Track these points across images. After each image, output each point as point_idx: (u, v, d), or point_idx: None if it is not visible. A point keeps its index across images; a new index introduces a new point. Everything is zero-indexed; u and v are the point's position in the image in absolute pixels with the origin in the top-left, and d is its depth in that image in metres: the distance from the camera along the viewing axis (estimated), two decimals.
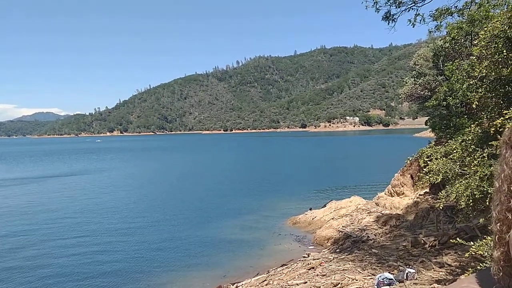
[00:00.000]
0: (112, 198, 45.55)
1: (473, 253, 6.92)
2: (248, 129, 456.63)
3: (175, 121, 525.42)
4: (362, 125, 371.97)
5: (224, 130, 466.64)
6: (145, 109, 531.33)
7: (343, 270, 15.88)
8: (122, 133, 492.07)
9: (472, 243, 7.32)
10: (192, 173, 71.68)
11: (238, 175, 65.42)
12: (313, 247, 24.11)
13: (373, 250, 18.13)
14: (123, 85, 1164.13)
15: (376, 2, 11.30)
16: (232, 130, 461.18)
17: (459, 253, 14.43)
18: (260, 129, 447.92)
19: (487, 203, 7.61)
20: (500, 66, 7.90)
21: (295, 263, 19.82)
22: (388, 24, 12.13)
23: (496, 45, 7.82)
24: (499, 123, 6.38)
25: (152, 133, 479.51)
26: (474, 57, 9.55)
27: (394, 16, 11.84)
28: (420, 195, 25.86)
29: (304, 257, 20.83)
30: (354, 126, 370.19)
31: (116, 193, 49.31)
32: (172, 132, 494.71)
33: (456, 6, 11.96)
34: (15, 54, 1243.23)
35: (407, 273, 12.64)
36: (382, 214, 25.69)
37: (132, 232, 29.94)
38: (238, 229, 29.82)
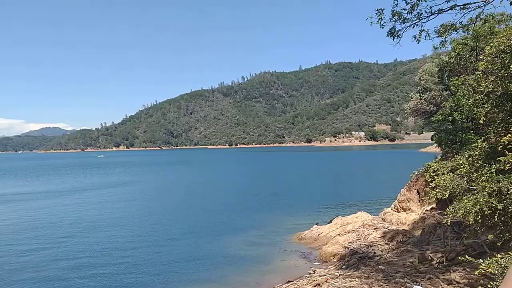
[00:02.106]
0: (117, 213, 45.50)
1: (483, 271, 6.81)
2: (253, 143, 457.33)
3: (180, 136, 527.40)
4: (368, 140, 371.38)
5: (229, 145, 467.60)
6: (151, 124, 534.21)
7: (350, 287, 15.68)
8: (128, 148, 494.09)
9: (481, 260, 7.21)
10: (197, 188, 71.59)
11: (243, 190, 65.23)
12: (319, 263, 23.87)
13: (379, 266, 17.92)
14: (129, 100, 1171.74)
15: (381, 18, 11.36)
16: (237, 145, 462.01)
17: (467, 270, 14.22)
18: (265, 144, 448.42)
19: (496, 220, 7.51)
20: (507, 81, 7.88)
21: (301, 280, 19.60)
22: (393, 40, 12.15)
23: (503, 60, 7.82)
24: (507, 139, 6.34)
25: (158, 148, 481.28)
26: (480, 72, 9.54)
27: (399, 32, 11.86)
28: (426, 210, 25.64)
29: (310, 273, 20.61)
30: (359, 141, 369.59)
31: (122, 208, 49.28)
32: (177, 147, 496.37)
33: (461, 22, 11.99)
34: (24, 70, 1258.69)
35: None
36: (388, 229, 25.45)
37: (137, 248, 29.81)
38: (244, 244, 29.61)
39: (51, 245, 31.26)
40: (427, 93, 31.18)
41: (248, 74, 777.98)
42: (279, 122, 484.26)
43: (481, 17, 12.73)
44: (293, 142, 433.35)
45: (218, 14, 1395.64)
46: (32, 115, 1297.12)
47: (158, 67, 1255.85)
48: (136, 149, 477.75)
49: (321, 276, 19.06)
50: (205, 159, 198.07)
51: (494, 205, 7.40)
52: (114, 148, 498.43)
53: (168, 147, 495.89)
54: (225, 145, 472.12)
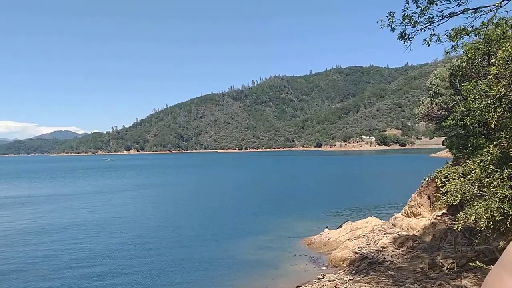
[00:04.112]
0: (125, 216, 45.70)
1: None
2: (263, 148, 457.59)
3: (191, 140, 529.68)
4: (379, 144, 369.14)
5: (239, 149, 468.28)
6: (161, 128, 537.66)
7: None
8: (139, 151, 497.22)
9: (491, 266, 7.11)
10: (206, 191, 71.73)
11: (253, 194, 65.21)
12: (328, 268, 23.73)
13: (389, 272, 17.76)
14: (140, 104, 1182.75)
15: (392, 21, 11.32)
16: (247, 149, 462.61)
17: (478, 276, 14.03)
18: (275, 148, 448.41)
19: (508, 225, 7.40)
20: None
21: (310, 285, 19.51)
22: (404, 43, 12.10)
23: None
24: None
25: (168, 152, 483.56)
26: (492, 77, 9.43)
27: (410, 36, 11.81)
28: (437, 216, 25.38)
29: (319, 278, 20.50)
30: (370, 146, 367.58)
31: (130, 211, 49.53)
32: (188, 151, 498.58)
33: (472, 26, 11.89)
34: (37, 75, 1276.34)
35: None
36: (398, 235, 25.23)
37: (144, 250, 29.89)
38: (253, 249, 29.57)
39: (57, 247, 31.54)
40: (438, 98, 30.93)
41: (258, 78, 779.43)
42: (289, 126, 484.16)
43: (494, 21, 12.61)
44: (303, 147, 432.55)
45: (225, 18, 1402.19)
46: (44, 118, 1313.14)
47: (169, 71, 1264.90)
48: (147, 152, 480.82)
49: (330, 281, 18.95)
50: (215, 162, 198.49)
51: (506, 211, 7.30)
52: (125, 152, 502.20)
53: (178, 151, 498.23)
54: (235, 149, 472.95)
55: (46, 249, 30.93)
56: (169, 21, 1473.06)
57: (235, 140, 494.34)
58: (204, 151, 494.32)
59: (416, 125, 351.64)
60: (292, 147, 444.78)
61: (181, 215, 45.93)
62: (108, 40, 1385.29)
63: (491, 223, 7.64)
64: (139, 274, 24.46)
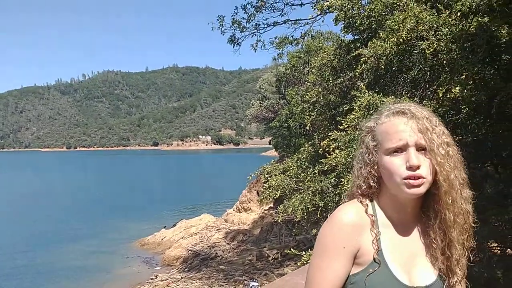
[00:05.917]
0: None
1: (305, 262, 7.53)
2: (95, 146, 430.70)
3: (8, 137, 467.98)
4: (214, 144, 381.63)
5: (67, 148, 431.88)
6: None
7: None
8: None
9: (303, 252, 8.00)
10: (26, 195, 64.24)
11: (83, 196, 60.85)
12: (162, 268, 23.55)
13: (220, 266, 18.49)
14: None
15: (222, 25, 11.79)
16: (76, 148, 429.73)
17: (298, 264, 15.55)
18: (108, 147, 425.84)
19: (318, 215, 8.40)
20: (328, 92, 8.93)
21: (142, 286, 19.14)
22: (233, 47, 12.73)
23: (324, 73, 8.83)
24: (325, 143, 7.15)
25: None
26: (309, 83, 10.56)
27: (239, 40, 12.47)
28: (265, 210, 27.33)
29: (152, 278, 20.25)
30: (206, 145, 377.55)
31: None
32: (4, 150, 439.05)
33: (293, 36, 13.14)
34: None
35: (251, 287, 13.14)
36: (230, 230, 26.42)
37: None
38: (83, 254, 27.60)
39: None
40: (266, 101, 33.37)
41: (90, 72, 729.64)
42: (124, 124, 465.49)
43: (312, 33, 14.16)
44: (139, 146, 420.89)
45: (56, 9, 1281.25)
46: None
47: None
48: None
49: (162, 280, 18.87)
50: (39, 162, 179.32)
51: (317, 203, 8.26)
52: None
53: None
54: (62, 147, 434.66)
55: None
56: None
57: (62, 138, 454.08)
58: (25, 149, 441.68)
59: (248, 126, 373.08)
60: (127, 146, 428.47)
61: None
62: None
63: (305, 213, 8.57)
64: None
